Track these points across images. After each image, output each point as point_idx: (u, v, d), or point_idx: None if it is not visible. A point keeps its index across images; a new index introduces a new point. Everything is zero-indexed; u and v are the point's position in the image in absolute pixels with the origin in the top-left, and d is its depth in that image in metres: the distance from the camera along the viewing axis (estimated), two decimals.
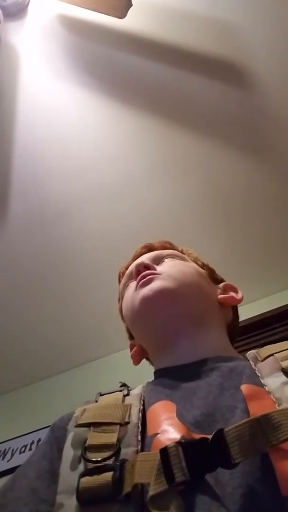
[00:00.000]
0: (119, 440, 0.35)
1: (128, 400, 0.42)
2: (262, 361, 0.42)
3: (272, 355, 0.41)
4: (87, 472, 0.33)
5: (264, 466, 0.29)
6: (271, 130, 1.45)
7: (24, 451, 1.63)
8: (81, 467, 0.35)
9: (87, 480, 0.32)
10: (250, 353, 0.46)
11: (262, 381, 0.38)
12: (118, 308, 0.66)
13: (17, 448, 1.65)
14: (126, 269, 0.65)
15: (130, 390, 0.46)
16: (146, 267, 0.56)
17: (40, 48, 1.34)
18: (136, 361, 0.60)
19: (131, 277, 0.60)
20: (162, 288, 0.52)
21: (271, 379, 0.38)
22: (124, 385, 0.47)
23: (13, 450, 1.66)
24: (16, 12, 1.28)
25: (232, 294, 0.60)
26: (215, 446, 0.29)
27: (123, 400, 0.42)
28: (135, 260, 0.64)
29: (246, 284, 1.78)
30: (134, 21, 1.26)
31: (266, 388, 0.37)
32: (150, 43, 1.32)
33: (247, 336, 1.62)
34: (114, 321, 0.72)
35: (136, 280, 0.56)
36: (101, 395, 0.47)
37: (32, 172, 1.51)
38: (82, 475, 0.33)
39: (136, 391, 0.45)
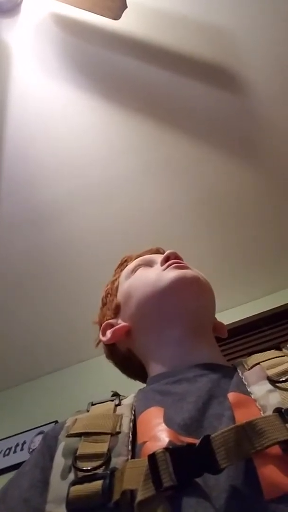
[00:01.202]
0: (109, 450, 0.35)
1: (119, 410, 0.42)
2: (249, 369, 0.43)
3: (258, 363, 0.42)
4: (77, 481, 0.33)
5: (248, 471, 0.30)
6: (264, 134, 1.47)
7: (8, 454, 1.60)
8: (71, 476, 0.34)
9: (77, 489, 0.32)
10: (238, 362, 0.47)
11: (248, 389, 0.39)
12: (107, 288, 0.64)
13: (1, 451, 1.63)
14: (131, 258, 0.64)
15: (122, 399, 0.46)
16: (177, 257, 0.57)
17: (33, 46, 1.33)
18: (115, 339, 0.56)
19: (147, 264, 0.60)
20: (198, 277, 0.54)
21: (256, 387, 0.39)
22: (115, 394, 0.47)
23: None
24: (10, 9, 1.27)
25: (224, 325, 0.62)
26: (202, 451, 0.30)
27: (115, 410, 0.42)
28: (144, 255, 0.64)
29: (236, 286, 1.80)
30: (128, 23, 1.26)
31: (252, 396, 0.38)
32: (144, 46, 1.33)
33: (236, 338, 1.63)
34: None
35: (163, 265, 0.56)
36: (92, 404, 0.46)
37: (23, 170, 1.50)
38: (72, 483, 0.33)
39: (127, 400, 0.45)
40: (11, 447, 1.62)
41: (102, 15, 1.19)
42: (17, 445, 1.62)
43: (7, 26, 1.30)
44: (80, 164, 1.50)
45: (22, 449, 1.60)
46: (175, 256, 0.57)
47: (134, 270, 0.60)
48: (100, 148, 1.49)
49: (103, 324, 0.60)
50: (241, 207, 1.62)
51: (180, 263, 0.56)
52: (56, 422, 1.62)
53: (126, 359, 0.59)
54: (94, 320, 0.65)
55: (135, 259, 0.64)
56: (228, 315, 1.72)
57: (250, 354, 1.57)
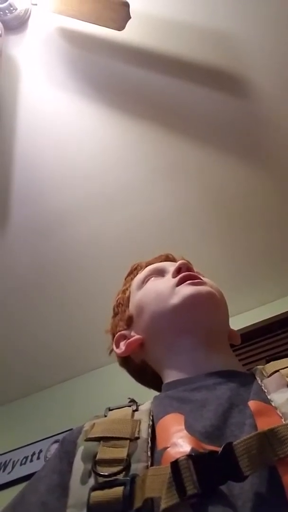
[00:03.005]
0: (129, 455, 0.35)
1: (137, 415, 0.42)
2: (268, 377, 0.43)
3: (277, 371, 0.42)
4: (97, 487, 0.33)
5: (273, 479, 0.30)
6: (270, 137, 1.47)
7: (25, 463, 1.61)
8: (91, 481, 0.34)
9: (97, 495, 0.32)
10: (256, 369, 0.47)
11: (268, 396, 0.39)
12: (118, 298, 0.64)
13: (18, 460, 1.63)
14: (141, 266, 0.64)
15: (139, 405, 0.46)
16: (189, 269, 0.57)
17: (41, 60, 1.36)
18: (129, 351, 0.56)
19: (158, 274, 0.59)
20: (213, 293, 0.54)
21: (277, 394, 0.38)
22: (132, 400, 0.47)
23: (13, 462, 1.63)
24: (17, 26, 1.31)
25: (237, 333, 0.62)
26: (225, 459, 0.29)
27: (133, 415, 0.42)
28: (154, 263, 0.63)
29: (248, 290, 1.78)
30: (132, 33, 1.28)
31: (273, 404, 0.37)
32: (149, 54, 1.34)
33: (250, 343, 1.61)
34: None
35: (175, 277, 0.55)
36: (110, 409, 0.46)
37: (32, 181, 1.52)
38: (93, 489, 0.33)
39: (145, 406, 0.45)
40: (28, 456, 1.63)
41: (106, 27, 1.21)
42: (34, 453, 1.62)
43: (15, 43, 1.33)
44: (88, 174, 1.52)
45: (38, 458, 1.60)
46: (187, 268, 0.56)
47: (145, 281, 0.60)
48: (108, 157, 1.50)
49: (116, 335, 0.60)
50: (250, 209, 1.61)
51: (193, 277, 0.55)
52: (71, 430, 1.62)
53: (141, 369, 0.58)
54: (107, 328, 0.65)
55: (145, 267, 0.63)
56: (241, 319, 1.71)
57: (265, 358, 1.54)
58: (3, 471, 1.62)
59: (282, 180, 1.55)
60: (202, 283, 0.54)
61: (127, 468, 0.34)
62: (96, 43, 1.34)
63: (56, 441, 1.62)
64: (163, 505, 0.28)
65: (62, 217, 1.59)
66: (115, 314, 0.64)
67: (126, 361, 0.60)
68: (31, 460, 1.60)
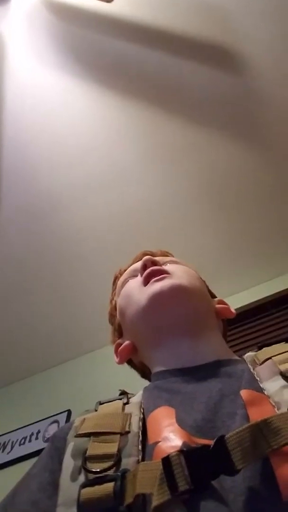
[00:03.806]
0: (119, 450, 0.35)
1: (128, 408, 0.42)
2: (261, 364, 0.42)
3: (270, 358, 0.42)
4: (87, 483, 0.32)
5: (265, 471, 0.29)
6: (264, 114, 1.44)
7: (24, 443, 1.64)
8: (81, 478, 0.34)
9: (88, 491, 0.32)
10: (248, 356, 0.46)
11: (261, 385, 0.38)
12: (109, 309, 0.65)
13: (17, 440, 1.66)
14: (121, 273, 0.64)
15: (130, 397, 0.45)
16: (154, 263, 0.56)
17: (26, 34, 1.30)
18: (123, 359, 0.58)
19: (132, 274, 0.60)
20: (176, 286, 0.52)
21: (270, 383, 0.38)
22: (123, 393, 0.47)
23: (13, 442, 1.67)
24: None
25: (227, 307, 0.61)
26: (217, 453, 0.29)
27: (123, 409, 0.42)
28: (133, 263, 0.63)
29: (243, 270, 1.79)
30: (122, 5, 1.23)
31: (266, 392, 0.37)
32: (139, 28, 1.29)
33: (244, 322, 1.63)
34: None
35: (142, 276, 0.55)
36: (100, 403, 0.45)
37: (21, 161, 1.48)
38: (83, 486, 0.32)
39: (135, 399, 0.44)
40: (26, 436, 1.66)
41: None
42: (32, 434, 1.65)
43: None
44: (79, 153, 1.49)
45: (37, 438, 1.63)
46: (152, 262, 0.56)
47: (123, 285, 0.60)
48: (99, 136, 1.46)
49: (114, 346, 0.61)
50: (243, 189, 1.59)
51: (157, 273, 0.54)
52: (69, 411, 1.65)
53: (142, 370, 0.59)
54: (110, 341, 0.66)
55: (124, 271, 0.63)
56: (235, 299, 1.72)
57: (260, 336, 1.55)
58: (3, 451, 1.65)
59: (276, 157, 1.53)
60: (166, 278, 0.53)
61: (117, 463, 0.34)
62: (84, 16, 1.28)
63: (54, 422, 1.65)
64: (154, 502, 0.28)
65: (53, 198, 1.56)
66: (111, 325, 0.65)
67: (132, 366, 0.62)
68: (30, 440, 1.63)
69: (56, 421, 1.65)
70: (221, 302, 0.61)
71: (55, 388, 1.84)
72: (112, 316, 0.64)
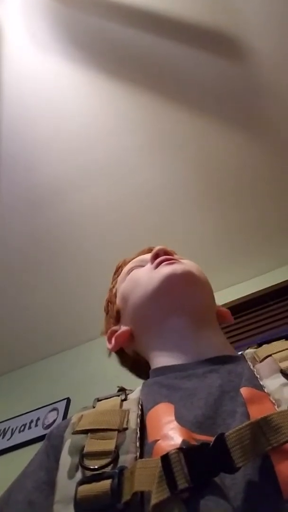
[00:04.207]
0: (117, 447, 0.35)
1: (126, 405, 0.41)
2: (261, 361, 0.42)
3: (270, 355, 0.41)
4: (85, 480, 0.32)
5: (266, 469, 0.29)
6: (265, 104, 1.42)
7: (23, 430, 1.66)
8: (78, 475, 0.34)
9: (85, 489, 0.31)
10: (248, 353, 0.46)
11: (261, 382, 0.38)
12: (107, 297, 0.64)
13: (17, 427, 1.69)
14: (125, 263, 0.64)
15: (128, 393, 0.45)
16: (166, 253, 0.56)
17: (25, 19, 1.27)
18: (118, 345, 0.57)
19: (139, 264, 0.60)
20: (188, 271, 0.53)
21: (270, 380, 0.38)
22: (122, 389, 0.46)
23: (12, 429, 1.69)
24: None
25: (228, 311, 0.61)
26: (217, 450, 0.29)
27: (121, 405, 0.41)
28: (137, 256, 0.63)
29: (241, 262, 1.79)
30: None
31: (266, 390, 0.37)
32: (139, 13, 1.26)
33: (242, 314, 1.63)
34: None
35: (153, 263, 0.55)
36: (98, 400, 0.45)
37: (21, 150, 1.47)
38: (80, 483, 0.32)
39: (134, 395, 0.44)
40: (26, 424, 1.68)
41: None
42: (32, 421, 1.68)
43: None
44: (79, 141, 1.47)
45: (36, 425, 1.65)
46: (165, 252, 0.57)
47: (128, 273, 0.60)
48: (99, 124, 1.45)
49: (108, 333, 0.60)
50: (242, 180, 1.58)
51: (169, 259, 0.55)
52: (68, 399, 1.67)
53: (135, 361, 0.58)
54: (102, 331, 0.65)
55: (129, 262, 0.63)
56: (234, 290, 1.73)
57: (258, 328, 1.55)
58: (3, 437, 1.68)
59: (277, 148, 1.52)
60: (178, 263, 0.54)
61: (115, 460, 0.33)
62: (85, 1, 1.25)
63: (53, 409, 1.67)
64: (153, 500, 0.27)
65: (54, 187, 1.55)
66: (106, 313, 0.64)
67: (122, 357, 0.61)
68: (29, 427, 1.66)
69: (56, 409, 1.67)
70: (221, 308, 0.61)
71: (55, 376, 1.86)
72: (110, 303, 0.63)
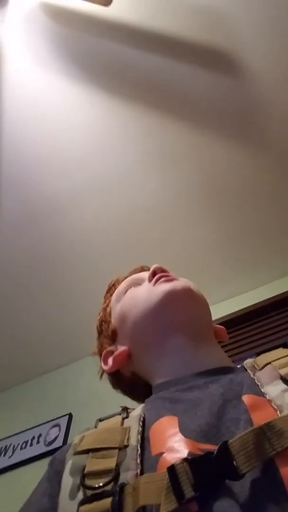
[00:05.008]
0: (118, 465, 0.35)
1: (127, 422, 0.41)
2: (260, 369, 0.42)
3: (269, 363, 0.42)
4: (86, 500, 0.32)
5: (271, 472, 0.29)
6: (262, 117, 1.44)
7: (25, 447, 1.63)
8: (80, 495, 0.34)
9: (86, 508, 0.31)
10: (247, 362, 0.46)
11: (262, 389, 0.38)
12: (100, 317, 0.63)
13: (18, 444, 1.66)
14: (119, 282, 0.64)
15: (130, 412, 0.45)
16: (164, 271, 0.57)
17: (24, 37, 1.30)
18: (117, 365, 0.56)
19: (135, 283, 0.60)
20: (188, 287, 0.54)
21: (270, 387, 0.38)
22: (124, 408, 0.46)
23: (14, 446, 1.66)
24: None
25: (224, 328, 0.62)
26: (221, 458, 0.29)
27: (122, 423, 0.41)
28: (130, 275, 0.63)
29: (241, 273, 1.79)
30: (120, 9, 1.23)
31: (267, 397, 0.37)
32: (137, 32, 1.29)
33: (244, 325, 1.62)
34: None
35: (151, 280, 0.56)
36: (100, 420, 0.45)
37: (21, 165, 1.49)
38: (81, 503, 0.32)
39: (135, 412, 0.44)
40: (27, 440, 1.65)
41: (92, 2, 1.16)
42: (33, 438, 1.65)
43: None
44: (78, 157, 1.49)
45: (38, 442, 1.62)
46: (161, 270, 0.57)
47: (124, 292, 0.60)
48: (98, 139, 1.47)
49: (103, 353, 0.59)
50: (243, 192, 1.59)
51: (168, 275, 0.56)
52: (70, 414, 1.65)
53: (132, 382, 0.57)
54: (93, 351, 0.64)
55: (122, 281, 0.63)
56: (236, 301, 1.72)
57: (258, 340, 1.54)
58: (4, 455, 1.65)
59: (275, 160, 1.54)
60: (177, 280, 0.56)
61: (115, 478, 0.33)
62: (82, 20, 1.28)
63: (55, 425, 1.65)
64: (162, 511, 0.27)
65: (54, 202, 1.56)
66: (99, 333, 0.63)
67: (117, 379, 0.59)
68: (31, 444, 1.63)
69: (57, 425, 1.64)
70: (216, 325, 0.62)
71: (56, 392, 1.83)
72: (104, 322, 0.62)
